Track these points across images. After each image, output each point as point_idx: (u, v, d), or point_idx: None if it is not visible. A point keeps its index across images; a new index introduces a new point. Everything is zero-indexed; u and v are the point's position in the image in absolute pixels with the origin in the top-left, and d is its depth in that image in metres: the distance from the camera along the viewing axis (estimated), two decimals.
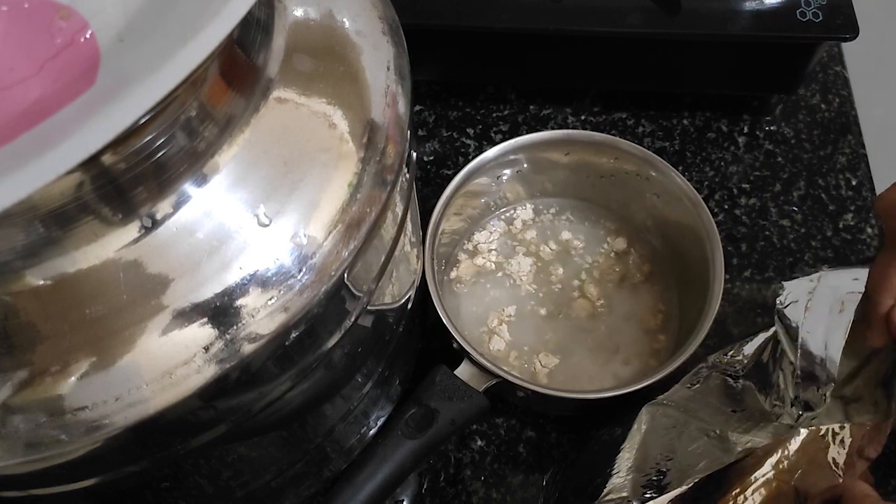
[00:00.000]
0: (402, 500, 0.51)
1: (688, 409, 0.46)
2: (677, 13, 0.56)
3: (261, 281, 0.28)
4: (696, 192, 0.51)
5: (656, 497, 0.41)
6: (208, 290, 0.27)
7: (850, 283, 0.44)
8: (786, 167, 0.62)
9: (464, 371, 0.46)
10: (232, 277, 0.27)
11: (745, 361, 0.47)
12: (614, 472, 0.44)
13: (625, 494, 0.42)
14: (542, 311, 0.54)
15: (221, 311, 0.27)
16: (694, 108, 0.65)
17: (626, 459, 0.44)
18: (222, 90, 0.28)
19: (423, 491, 0.51)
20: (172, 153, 0.26)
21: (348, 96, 0.32)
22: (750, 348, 0.47)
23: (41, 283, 0.26)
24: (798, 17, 0.55)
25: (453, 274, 0.55)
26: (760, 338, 0.48)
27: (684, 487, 0.41)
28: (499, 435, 0.52)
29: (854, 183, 0.61)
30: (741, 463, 0.42)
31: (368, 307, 0.35)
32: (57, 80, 0.25)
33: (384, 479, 0.41)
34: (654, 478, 0.43)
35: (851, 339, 0.43)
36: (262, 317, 0.28)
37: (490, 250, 0.56)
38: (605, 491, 0.43)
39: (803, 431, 0.43)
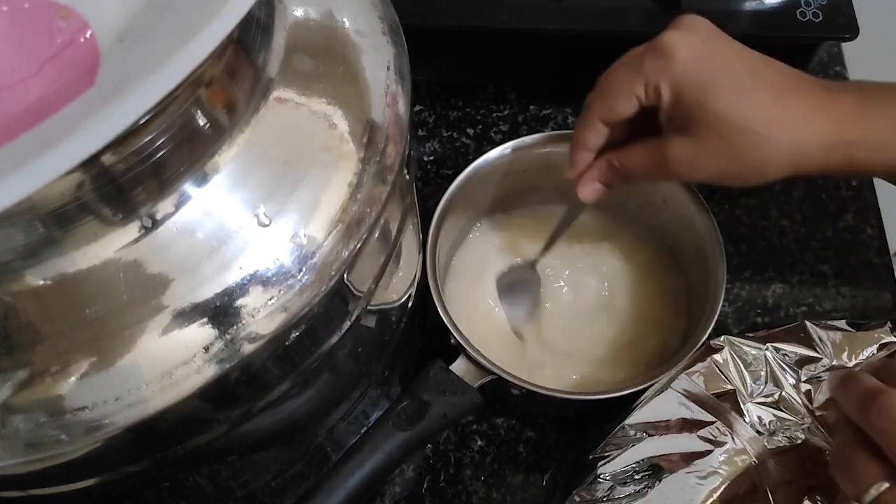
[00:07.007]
0: (402, 501, 0.51)
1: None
2: (678, 13, 0.56)
3: (261, 281, 0.28)
4: (696, 192, 0.51)
5: None
6: (208, 290, 0.27)
7: None
8: None
9: (459, 366, 0.46)
10: (232, 277, 0.27)
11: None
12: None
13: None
14: (542, 311, 0.54)
15: (221, 311, 0.27)
16: None
17: (625, 460, 0.44)
18: (222, 90, 0.28)
19: (423, 491, 0.51)
20: (172, 153, 0.26)
21: (348, 96, 0.32)
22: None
23: (41, 283, 0.26)
24: (798, 17, 0.55)
25: (454, 274, 0.55)
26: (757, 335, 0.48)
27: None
28: (499, 435, 0.52)
29: (854, 183, 0.61)
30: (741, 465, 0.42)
31: (368, 307, 0.35)
32: (57, 80, 0.25)
33: (372, 468, 0.41)
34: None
35: None
36: (262, 317, 0.28)
37: (491, 250, 0.56)
38: (606, 491, 0.43)
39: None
